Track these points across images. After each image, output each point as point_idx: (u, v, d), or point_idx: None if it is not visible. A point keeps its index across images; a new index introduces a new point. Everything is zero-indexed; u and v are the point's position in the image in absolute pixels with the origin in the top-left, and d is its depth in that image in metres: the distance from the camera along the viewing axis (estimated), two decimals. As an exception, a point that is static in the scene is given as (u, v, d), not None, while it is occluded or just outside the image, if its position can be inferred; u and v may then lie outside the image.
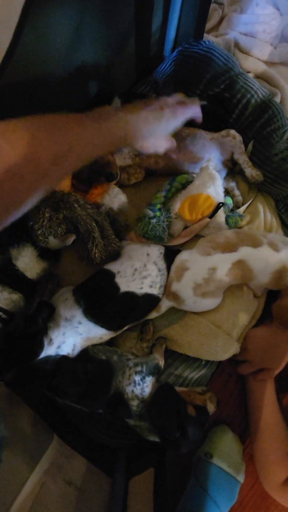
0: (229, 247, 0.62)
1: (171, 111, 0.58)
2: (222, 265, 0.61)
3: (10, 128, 0.40)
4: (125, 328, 0.67)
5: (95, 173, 0.71)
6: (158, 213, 0.71)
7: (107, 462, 0.69)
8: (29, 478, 0.55)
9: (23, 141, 0.40)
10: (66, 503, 0.58)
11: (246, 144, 0.79)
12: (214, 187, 0.70)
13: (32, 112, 0.66)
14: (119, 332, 0.67)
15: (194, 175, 0.74)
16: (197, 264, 0.63)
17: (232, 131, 0.76)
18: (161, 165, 0.76)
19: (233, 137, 0.76)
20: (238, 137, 0.76)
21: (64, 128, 0.44)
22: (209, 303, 0.65)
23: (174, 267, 0.65)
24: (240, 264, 0.61)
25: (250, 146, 0.78)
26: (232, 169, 0.82)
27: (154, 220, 0.70)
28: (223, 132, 0.76)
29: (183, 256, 0.65)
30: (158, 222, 0.70)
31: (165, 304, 0.66)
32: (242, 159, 0.77)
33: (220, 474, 0.71)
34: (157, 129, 0.57)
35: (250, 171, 0.77)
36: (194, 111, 0.62)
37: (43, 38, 0.52)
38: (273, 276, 0.62)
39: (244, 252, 0.61)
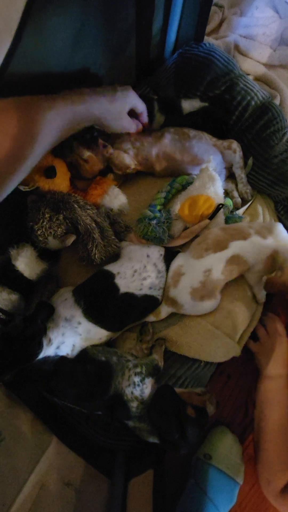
0: (220, 246, 0.62)
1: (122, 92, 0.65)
2: (217, 265, 0.61)
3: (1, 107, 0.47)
4: (125, 329, 0.67)
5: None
6: (158, 214, 0.71)
7: (106, 464, 0.69)
8: (28, 479, 0.55)
9: (13, 119, 0.47)
10: (65, 504, 0.58)
11: (246, 146, 0.79)
12: (214, 188, 0.70)
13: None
14: (119, 333, 0.67)
15: (194, 177, 0.74)
16: (192, 268, 0.63)
17: (234, 145, 0.76)
18: (162, 166, 0.76)
19: (234, 151, 0.77)
20: (239, 153, 0.77)
21: (42, 107, 0.51)
22: (208, 305, 0.66)
23: (170, 272, 0.65)
24: (234, 259, 0.61)
25: (250, 161, 0.78)
26: (233, 173, 0.82)
27: (154, 221, 0.70)
28: (225, 144, 0.77)
29: (178, 261, 0.65)
30: (158, 223, 0.70)
31: (165, 310, 0.66)
32: (238, 174, 0.78)
33: (219, 475, 0.71)
34: (118, 108, 0.64)
35: (242, 187, 0.79)
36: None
37: (44, 40, 0.53)
38: (267, 262, 0.62)
39: (236, 247, 0.61)
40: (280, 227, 0.64)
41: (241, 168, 0.78)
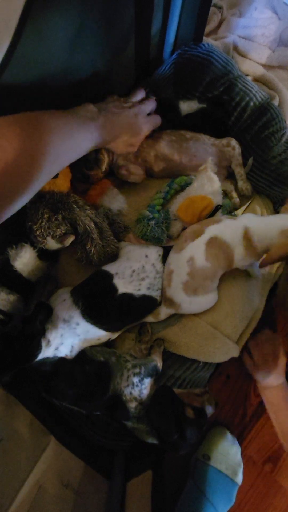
0: (197, 233, 0.63)
1: (144, 121, 0.66)
2: (197, 251, 0.62)
3: (5, 124, 0.41)
4: (123, 329, 0.67)
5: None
6: (157, 215, 0.71)
7: (104, 465, 0.68)
8: (26, 480, 0.55)
9: (19, 136, 0.42)
10: (63, 505, 0.58)
11: (245, 146, 0.79)
12: (212, 189, 0.70)
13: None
14: (117, 334, 0.67)
15: (193, 178, 0.74)
16: (177, 262, 0.64)
17: (233, 142, 0.77)
18: (160, 167, 0.76)
19: (233, 148, 0.77)
20: (238, 149, 0.77)
21: (48, 124, 0.47)
22: (204, 300, 0.65)
23: (164, 273, 0.66)
24: (212, 241, 0.62)
25: (250, 161, 0.78)
26: (232, 173, 0.82)
27: (153, 222, 0.70)
28: (224, 142, 0.77)
29: (168, 260, 0.66)
30: (157, 223, 0.70)
31: (164, 311, 0.66)
32: (237, 171, 0.78)
33: (218, 476, 0.71)
34: (127, 137, 0.63)
35: (241, 184, 0.79)
36: (159, 121, 0.71)
37: (43, 40, 0.52)
38: (245, 245, 0.62)
39: (211, 230, 0.62)
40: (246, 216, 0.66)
41: (240, 165, 0.78)
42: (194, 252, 0.62)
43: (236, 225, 0.62)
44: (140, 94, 0.71)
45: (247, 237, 0.61)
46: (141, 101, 0.70)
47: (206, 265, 0.61)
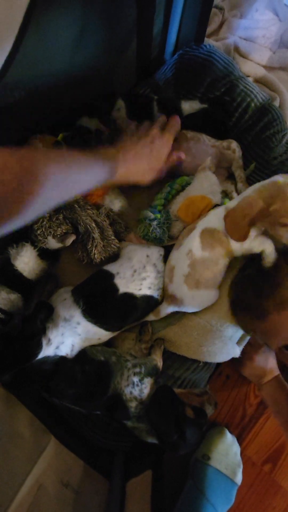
0: (191, 229, 0.66)
1: (160, 144, 0.66)
2: (193, 242, 0.64)
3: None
4: (124, 329, 0.67)
5: None
6: (158, 215, 0.71)
7: (104, 464, 0.68)
8: (26, 480, 0.55)
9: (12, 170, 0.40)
10: (63, 505, 0.58)
11: (246, 147, 0.79)
12: (211, 189, 0.70)
13: (33, 113, 0.66)
14: (117, 332, 0.67)
15: (194, 177, 0.74)
16: (177, 256, 0.66)
17: (233, 144, 0.77)
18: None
19: (233, 151, 0.77)
20: (238, 152, 0.77)
21: (44, 157, 0.46)
22: (206, 295, 0.65)
23: (165, 270, 0.67)
24: (205, 232, 0.64)
25: (252, 166, 0.79)
26: (232, 174, 0.82)
27: (155, 222, 0.70)
28: (225, 144, 0.77)
29: (169, 258, 0.68)
30: (159, 224, 0.70)
31: (165, 309, 0.66)
32: (237, 173, 0.78)
33: (218, 476, 0.71)
34: (149, 162, 0.65)
35: (241, 187, 0.79)
36: (177, 125, 0.71)
37: (46, 40, 0.53)
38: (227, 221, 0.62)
39: (200, 223, 0.65)
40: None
41: (240, 167, 0.78)
42: (191, 245, 0.64)
43: (219, 210, 0.65)
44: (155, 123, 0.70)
45: (228, 213, 0.62)
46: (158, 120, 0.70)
47: (204, 255, 0.63)
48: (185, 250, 0.64)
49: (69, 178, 0.49)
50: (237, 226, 0.61)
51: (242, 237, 0.61)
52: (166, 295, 0.66)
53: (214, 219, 0.64)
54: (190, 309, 0.67)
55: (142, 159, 0.64)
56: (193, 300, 0.65)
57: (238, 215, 0.60)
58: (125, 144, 0.64)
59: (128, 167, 0.61)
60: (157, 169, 0.67)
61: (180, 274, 0.64)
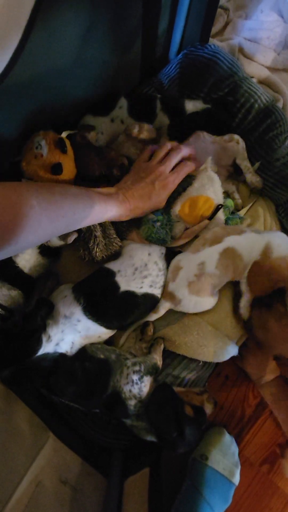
0: (216, 240, 0.64)
1: (161, 185, 0.65)
2: (210, 258, 0.63)
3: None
4: (125, 327, 0.67)
5: (107, 168, 0.71)
6: (161, 217, 0.71)
7: (102, 462, 0.68)
8: (24, 476, 0.55)
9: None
10: (61, 502, 0.58)
11: (248, 148, 0.79)
12: (213, 188, 0.70)
13: (37, 111, 0.66)
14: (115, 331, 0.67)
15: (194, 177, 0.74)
16: (188, 261, 0.65)
17: (236, 136, 0.76)
18: None
19: (237, 142, 0.76)
20: (242, 143, 0.76)
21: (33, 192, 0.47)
22: (205, 302, 0.66)
23: (170, 267, 0.67)
24: (227, 252, 0.63)
25: (256, 165, 0.79)
26: (233, 173, 0.82)
27: (158, 224, 0.70)
28: (226, 137, 0.77)
29: (178, 257, 0.67)
30: (162, 225, 0.70)
31: (163, 305, 0.66)
32: (244, 165, 0.78)
33: (215, 476, 0.71)
34: (147, 204, 0.64)
35: (251, 177, 0.78)
36: (189, 169, 0.69)
37: (52, 38, 0.53)
38: (261, 257, 0.62)
39: (230, 241, 0.63)
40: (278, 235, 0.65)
41: (246, 159, 0.77)
42: (207, 258, 0.63)
43: (259, 239, 0.62)
44: (164, 150, 0.68)
45: (266, 250, 0.61)
46: (167, 154, 0.68)
47: (215, 272, 0.63)
48: (199, 260, 0.63)
49: (60, 211, 0.50)
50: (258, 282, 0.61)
51: (260, 292, 0.62)
52: (165, 292, 0.66)
53: (248, 243, 0.62)
54: (185, 310, 0.67)
55: (140, 200, 0.63)
56: (190, 303, 0.65)
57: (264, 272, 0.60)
58: (125, 185, 0.64)
59: (134, 204, 0.62)
60: (155, 207, 0.67)
61: (185, 278, 0.64)
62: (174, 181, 0.67)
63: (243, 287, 0.66)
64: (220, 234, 0.65)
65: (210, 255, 0.63)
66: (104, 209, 0.58)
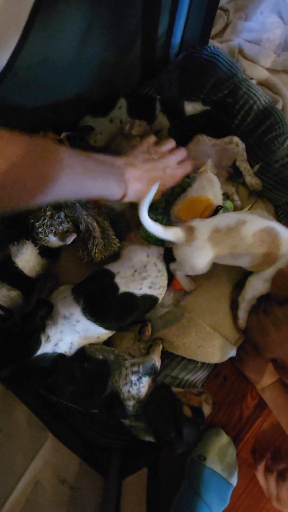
0: (265, 216, 0.63)
1: (171, 174, 0.63)
2: (253, 224, 0.59)
3: (4, 140, 0.42)
4: (123, 328, 0.67)
5: None
6: (160, 217, 0.71)
7: (101, 462, 0.69)
8: (23, 476, 0.55)
9: (14, 157, 0.41)
10: (59, 502, 0.58)
11: (247, 150, 0.79)
12: (212, 190, 0.70)
13: (37, 111, 0.66)
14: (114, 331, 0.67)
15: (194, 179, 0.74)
16: (233, 212, 0.63)
17: (236, 138, 0.77)
18: None
19: (236, 144, 0.77)
20: (241, 145, 0.77)
21: (54, 160, 0.46)
22: (207, 257, 0.61)
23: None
24: (270, 232, 0.60)
25: (256, 167, 0.79)
26: (233, 175, 0.82)
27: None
28: (226, 139, 0.77)
29: (218, 215, 0.65)
30: (160, 226, 0.70)
31: (175, 231, 0.60)
32: (243, 167, 0.78)
33: (213, 477, 0.71)
34: (151, 191, 0.59)
35: (250, 179, 0.79)
36: (182, 154, 0.67)
37: (51, 37, 0.53)
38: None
39: (276, 225, 0.61)
40: None
41: (245, 161, 0.77)
42: (250, 221, 0.60)
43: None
44: (171, 144, 0.68)
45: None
46: (171, 150, 0.67)
47: (248, 239, 0.59)
48: (243, 217, 0.60)
49: (83, 175, 0.50)
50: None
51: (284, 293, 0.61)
52: (186, 223, 0.62)
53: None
54: (184, 256, 0.63)
55: (149, 183, 0.59)
56: (198, 250, 0.61)
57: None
58: (135, 160, 0.60)
59: (135, 187, 0.58)
60: (161, 189, 0.63)
61: (216, 222, 0.60)
62: (180, 174, 0.66)
63: (255, 283, 0.63)
64: (269, 217, 0.64)
65: (255, 221, 0.60)
66: (117, 180, 0.56)
